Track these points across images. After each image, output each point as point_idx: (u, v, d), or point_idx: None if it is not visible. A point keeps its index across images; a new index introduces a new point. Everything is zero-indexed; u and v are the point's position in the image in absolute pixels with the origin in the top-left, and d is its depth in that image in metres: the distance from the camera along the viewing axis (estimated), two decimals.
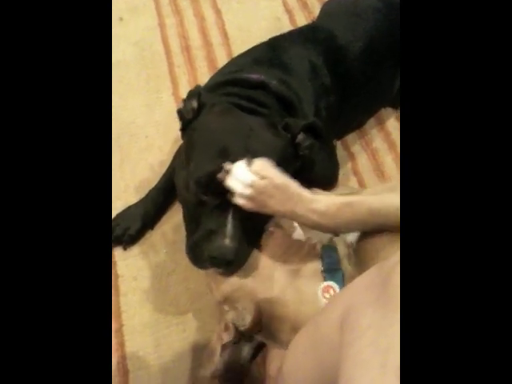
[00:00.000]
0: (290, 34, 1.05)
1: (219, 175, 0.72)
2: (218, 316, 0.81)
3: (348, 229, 0.75)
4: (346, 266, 0.78)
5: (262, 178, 0.70)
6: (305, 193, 0.72)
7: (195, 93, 0.83)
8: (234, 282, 0.79)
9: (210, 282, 0.83)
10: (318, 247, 0.82)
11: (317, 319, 0.61)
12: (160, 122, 1.17)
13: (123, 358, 0.92)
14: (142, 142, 1.14)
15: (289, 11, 1.36)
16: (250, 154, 0.73)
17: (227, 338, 0.77)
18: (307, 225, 0.73)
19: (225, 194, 0.73)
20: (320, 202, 0.71)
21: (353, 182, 1.10)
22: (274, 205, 0.71)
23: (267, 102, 0.86)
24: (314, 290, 0.76)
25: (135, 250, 1.02)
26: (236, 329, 0.78)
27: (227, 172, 0.72)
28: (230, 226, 0.73)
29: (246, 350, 0.85)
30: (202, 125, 0.80)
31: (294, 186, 0.71)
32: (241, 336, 0.80)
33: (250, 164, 0.71)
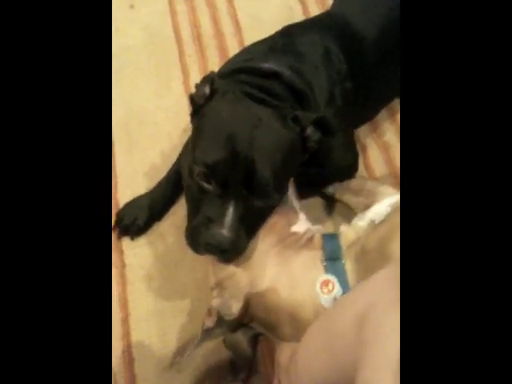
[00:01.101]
0: (305, 22, 1.03)
1: None
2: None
3: None
4: (352, 253, 0.76)
5: None
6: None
7: (208, 78, 0.81)
8: (227, 270, 0.79)
9: (209, 266, 0.83)
10: (318, 237, 0.81)
11: (332, 313, 0.60)
12: (170, 109, 1.15)
13: (129, 346, 0.91)
14: (152, 128, 1.13)
15: (302, 1, 1.34)
16: (257, 144, 0.72)
17: (209, 323, 0.76)
18: None
19: (228, 183, 0.72)
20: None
21: (364, 174, 1.09)
22: None
23: (279, 92, 0.84)
24: (311, 281, 0.75)
25: (143, 239, 1.01)
26: (221, 318, 0.77)
27: None
28: (229, 216, 0.73)
29: (244, 342, 0.85)
30: (212, 111, 0.78)
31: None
32: (229, 325, 0.79)
33: None
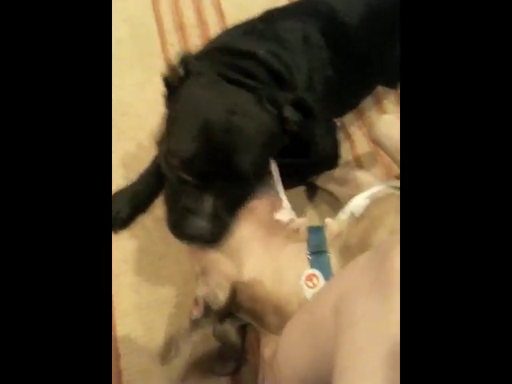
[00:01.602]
0: (287, 7, 1.01)
1: None
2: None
3: None
4: (336, 247, 0.75)
5: None
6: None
7: (183, 60, 0.79)
8: (209, 257, 0.77)
9: (191, 254, 0.82)
10: (303, 229, 0.80)
11: (311, 305, 0.59)
12: (152, 101, 1.13)
13: (114, 341, 0.90)
14: (134, 120, 1.11)
15: None
16: (234, 132, 0.71)
17: (197, 313, 0.75)
18: None
19: (205, 175, 0.72)
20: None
21: (350, 163, 1.08)
22: None
23: (256, 73, 0.82)
24: (296, 274, 0.74)
25: (126, 232, 1.00)
26: (208, 307, 0.75)
27: None
28: (208, 207, 0.73)
29: (233, 332, 0.84)
30: (186, 96, 0.76)
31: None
32: (216, 315, 0.78)
33: None
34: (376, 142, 0.87)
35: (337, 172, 1.00)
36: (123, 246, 0.98)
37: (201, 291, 0.76)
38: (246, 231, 0.78)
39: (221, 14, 1.28)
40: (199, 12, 1.28)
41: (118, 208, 0.98)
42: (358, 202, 0.81)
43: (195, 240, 0.76)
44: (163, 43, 1.22)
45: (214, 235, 0.75)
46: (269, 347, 0.76)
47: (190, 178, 0.73)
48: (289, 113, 0.77)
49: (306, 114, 0.79)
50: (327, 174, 1.00)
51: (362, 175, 0.97)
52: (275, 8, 1.00)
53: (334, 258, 0.75)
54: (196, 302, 0.77)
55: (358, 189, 0.94)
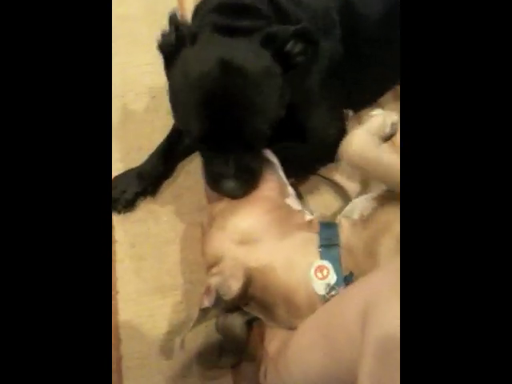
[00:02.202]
0: None
1: None
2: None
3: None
4: (347, 242, 0.74)
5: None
6: None
7: (172, 23, 0.77)
8: (224, 246, 0.76)
9: (202, 243, 0.81)
10: (315, 222, 0.79)
11: (332, 307, 0.59)
12: None
13: (116, 326, 0.89)
14: (149, 102, 1.09)
15: None
16: (235, 95, 0.72)
17: (208, 302, 0.73)
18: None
19: (220, 144, 0.76)
20: None
21: None
22: None
23: (260, 6, 0.81)
24: (306, 264, 0.73)
25: (134, 216, 0.98)
26: (219, 297, 0.73)
27: None
28: (232, 169, 0.78)
29: (238, 325, 0.82)
30: (181, 66, 0.76)
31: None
32: (225, 306, 0.77)
33: None
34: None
35: (348, 166, 0.97)
36: (131, 230, 0.96)
37: (214, 280, 0.73)
38: (258, 217, 0.78)
39: None
40: None
41: (124, 188, 0.97)
42: (365, 204, 0.78)
43: (230, 196, 0.82)
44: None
45: (245, 189, 0.81)
46: (273, 343, 0.75)
47: (206, 149, 0.79)
48: (290, 47, 0.76)
49: (308, 41, 0.77)
50: (339, 166, 0.98)
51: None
52: None
53: (344, 254, 0.73)
54: (208, 290, 0.74)
55: (366, 186, 0.92)
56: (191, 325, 0.73)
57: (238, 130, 0.74)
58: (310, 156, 0.98)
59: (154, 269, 0.93)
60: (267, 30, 0.75)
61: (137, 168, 0.99)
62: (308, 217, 0.81)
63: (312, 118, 0.91)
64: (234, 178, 0.79)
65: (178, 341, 0.76)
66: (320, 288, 0.72)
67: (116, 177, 0.99)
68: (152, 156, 0.99)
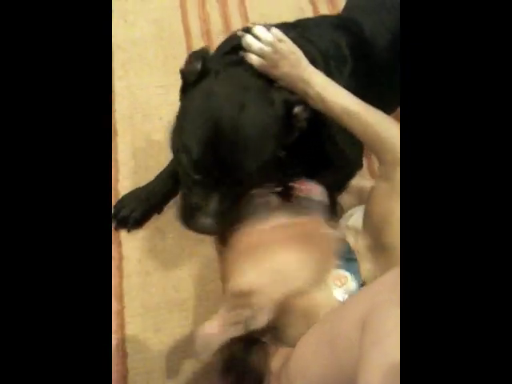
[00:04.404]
0: (315, 18, 1.02)
1: (239, 32, 0.80)
2: (225, 304, 0.76)
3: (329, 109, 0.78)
4: (363, 256, 0.75)
5: (279, 40, 0.78)
6: (310, 65, 0.80)
7: (200, 55, 0.80)
8: (258, 281, 0.74)
9: (226, 271, 0.80)
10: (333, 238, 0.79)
11: (334, 316, 0.59)
12: (175, 104, 1.13)
13: (123, 340, 0.90)
14: (156, 123, 1.12)
15: (313, 3, 1.34)
16: (241, 133, 0.73)
17: (235, 333, 0.71)
18: (304, 93, 0.79)
19: (212, 174, 0.74)
20: (320, 76, 0.79)
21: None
22: (283, 66, 0.78)
23: None
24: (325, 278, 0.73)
25: (141, 232, 1.00)
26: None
27: (247, 30, 0.79)
28: (213, 205, 0.76)
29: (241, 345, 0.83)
30: (201, 93, 0.77)
31: (303, 57, 0.80)
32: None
33: (269, 28, 0.79)
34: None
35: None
36: (138, 246, 0.99)
37: (246, 313, 0.72)
38: (297, 256, 0.76)
39: (247, 22, 1.29)
40: (226, 19, 1.29)
41: (133, 207, 0.99)
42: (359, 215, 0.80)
43: (202, 233, 0.81)
44: (189, 48, 1.23)
45: (219, 229, 0.79)
46: (276, 359, 0.75)
47: (197, 177, 0.76)
48: (298, 111, 0.79)
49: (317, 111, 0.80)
50: None
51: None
52: (304, 18, 1.00)
53: (364, 263, 0.75)
54: (237, 320, 0.72)
55: (363, 199, 0.94)
56: (212, 348, 0.71)
57: (234, 162, 0.74)
58: (342, 178, 1.00)
59: (160, 284, 0.95)
60: (281, 94, 0.78)
61: (145, 187, 1.01)
62: (336, 234, 0.81)
63: (341, 148, 0.91)
64: (211, 215, 0.77)
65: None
66: (340, 295, 0.72)
67: (125, 196, 1.01)
68: (160, 176, 1.01)
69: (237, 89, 0.77)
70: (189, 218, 0.79)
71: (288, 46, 0.79)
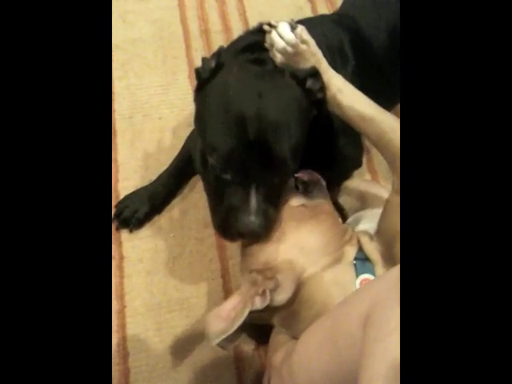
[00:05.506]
0: (314, 17, 1.03)
1: (265, 27, 0.80)
2: (246, 279, 0.74)
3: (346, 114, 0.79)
4: (376, 258, 0.75)
5: (303, 42, 0.78)
6: (330, 68, 0.81)
7: (216, 52, 0.80)
8: (285, 255, 0.75)
9: (247, 247, 0.79)
10: (354, 236, 0.80)
11: (336, 312, 0.59)
12: (175, 103, 1.15)
13: (124, 339, 0.90)
14: (156, 122, 1.12)
15: (311, 1, 1.34)
16: (266, 118, 0.71)
17: (260, 304, 0.69)
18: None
19: (245, 169, 0.71)
20: (338, 79, 0.80)
21: (367, 177, 1.09)
22: (303, 66, 0.78)
23: None
24: (351, 279, 0.73)
25: (142, 232, 1.01)
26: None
27: (273, 26, 0.79)
28: (253, 201, 0.72)
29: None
30: (218, 88, 0.76)
31: (324, 58, 0.80)
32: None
33: (294, 27, 0.78)
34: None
35: (349, 182, 1.00)
36: (138, 246, 0.99)
37: (270, 284, 0.71)
38: (322, 232, 0.77)
39: (245, 21, 1.29)
40: (224, 18, 1.30)
41: (136, 207, 1.00)
42: (371, 221, 0.80)
43: (246, 236, 0.76)
44: (188, 47, 1.24)
45: (265, 227, 0.74)
46: (277, 354, 0.75)
47: (228, 176, 0.72)
48: (310, 83, 0.78)
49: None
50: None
51: (372, 187, 0.98)
52: (304, 18, 1.01)
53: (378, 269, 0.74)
54: (263, 292, 0.70)
55: (365, 202, 0.94)
56: (237, 322, 0.67)
57: (266, 151, 0.71)
58: (341, 174, 1.02)
59: (161, 283, 0.95)
60: (289, 69, 0.77)
61: (147, 187, 1.02)
62: (351, 232, 0.81)
63: (343, 145, 0.92)
64: (255, 213, 0.72)
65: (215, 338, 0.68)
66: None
67: (127, 196, 1.01)
68: (162, 176, 1.02)
69: (251, 78, 0.76)
70: (227, 222, 0.74)
71: (310, 48, 0.79)
